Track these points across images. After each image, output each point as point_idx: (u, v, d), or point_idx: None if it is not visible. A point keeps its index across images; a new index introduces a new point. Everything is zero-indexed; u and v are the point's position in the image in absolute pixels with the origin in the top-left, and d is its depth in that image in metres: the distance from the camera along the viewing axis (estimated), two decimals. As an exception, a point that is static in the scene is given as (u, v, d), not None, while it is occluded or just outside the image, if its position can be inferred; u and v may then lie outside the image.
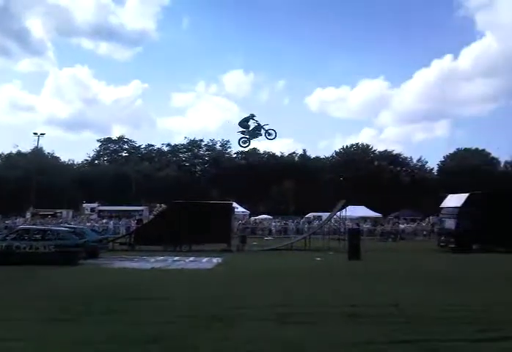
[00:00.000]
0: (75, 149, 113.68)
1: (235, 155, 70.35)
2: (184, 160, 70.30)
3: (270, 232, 36.19)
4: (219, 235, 22.45)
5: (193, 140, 70.02)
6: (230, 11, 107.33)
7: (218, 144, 70.40)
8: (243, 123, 18.28)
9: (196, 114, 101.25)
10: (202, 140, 70.22)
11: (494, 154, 66.31)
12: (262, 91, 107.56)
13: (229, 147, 70.19)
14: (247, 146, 19.07)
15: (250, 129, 18.20)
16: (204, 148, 70.61)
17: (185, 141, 70.60)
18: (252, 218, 42.37)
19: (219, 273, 13.90)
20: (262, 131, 18.31)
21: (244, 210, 45.60)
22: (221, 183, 59.48)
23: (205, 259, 17.81)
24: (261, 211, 50.47)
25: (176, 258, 18.16)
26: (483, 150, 66.49)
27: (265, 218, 42.81)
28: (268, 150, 70.22)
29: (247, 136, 18.37)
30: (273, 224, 38.59)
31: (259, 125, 18.28)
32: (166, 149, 71.91)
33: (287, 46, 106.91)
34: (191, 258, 18.20)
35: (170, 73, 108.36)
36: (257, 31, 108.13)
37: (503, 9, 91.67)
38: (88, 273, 13.82)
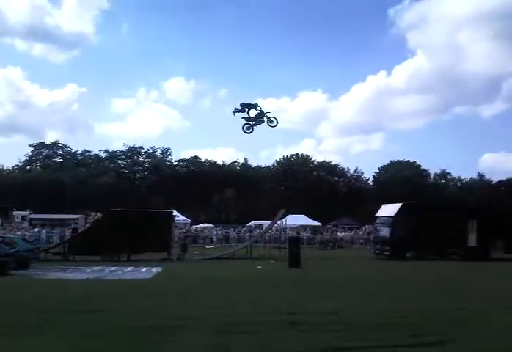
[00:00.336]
0: (5, 153, 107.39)
1: (176, 163, 69.46)
2: (123, 167, 68.38)
3: (211, 241, 35.91)
4: (159, 243, 21.99)
5: (132, 147, 68.33)
6: (172, 17, 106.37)
7: (159, 151, 69.17)
8: (244, 108, 18.07)
9: (137, 120, 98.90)
10: (141, 147, 68.75)
11: (424, 166, 69.96)
12: (204, 99, 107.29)
13: (170, 155, 69.22)
14: (251, 132, 18.67)
15: (253, 116, 18.11)
16: (144, 155, 69.07)
17: (124, 148, 68.79)
18: (193, 227, 41.87)
19: (159, 283, 13.57)
20: (265, 118, 18.25)
21: (185, 218, 45.00)
22: (161, 191, 58.37)
23: (144, 269, 17.34)
24: (202, 220, 50.00)
25: (113, 268, 17.55)
26: (415, 162, 69.99)
27: (207, 227, 42.44)
28: (209, 159, 70.07)
29: (251, 122, 18.21)
30: (215, 232, 38.33)
31: (262, 111, 18.20)
32: (103, 155, 69.60)
33: (229, 55, 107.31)
34: (130, 268, 17.66)
35: (109, 78, 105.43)
36: (199, 38, 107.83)
37: (432, 30, 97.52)
38: (18, 285, 13.02)
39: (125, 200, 49.93)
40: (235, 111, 18.09)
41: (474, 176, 68.81)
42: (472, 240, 24.82)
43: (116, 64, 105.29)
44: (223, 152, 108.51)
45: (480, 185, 66.20)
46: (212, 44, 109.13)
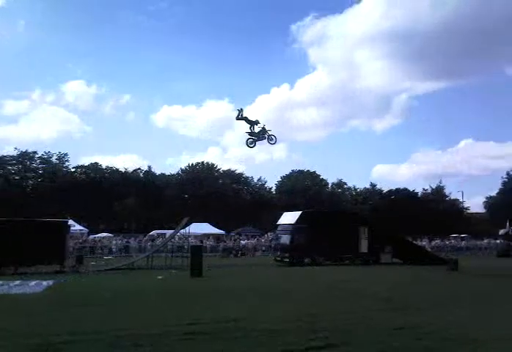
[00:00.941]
0: None
1: (73, 169, 65.49)
2: (13, 173, 62.95)
3: (110, 251, 34.41)
4: (52, 255, 20.59)
5: (25, 152, 63.13)
6: (71, 17, 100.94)
7: (55, 156, 64.69)
8: (250, 123, 19.32)
9: (31, 123, 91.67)
10: (35, 152, 63.71)
11: (322, 176, 73.44)
12: (106, 104, 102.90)
13: (68, 161, 64.98)
14: (253, 146, 19.61)
15: (257, 131, 19.15)
16: (38, 161, 64.15)
17: (15, 153, 63.29)
18: (91, 237, 39.82)
19: (49, 298, 12.64)
20: (266, 135, 19.22)
21: (82, 227, 42.64)
22: (57, 199, 54.73)
23: (33, 283, 16.07)
24: (102, 229, 47.78)
25: (-2, 283, 16.05)
26: (314, 172, 73.22)
27: (105, 237, 40.62)
28: (111, 165, 67.19)
29: (254, 138, 19.14)
30: (114, 242, 36.82)
31: (264, 129, 19.16)
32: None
33: (132, 60, 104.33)
34: (17, 282, 16.25)
35: (1, 78, 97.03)
36: (101, 41, 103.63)
37: (331, 46, 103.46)
38: None
39: (15, 208, 46.15)
40: (239, 118, 19.31)
41: (368, 185, 73.61)
42: (364, 246, 26.58)
43: (8, 64, 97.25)
44: (125, 158, 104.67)
45: (372, 195, 70.98)
46: (115, 48, 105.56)
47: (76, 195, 54.92)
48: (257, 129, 19.32)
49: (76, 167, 65.42)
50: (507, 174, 73.81)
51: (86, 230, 42.63)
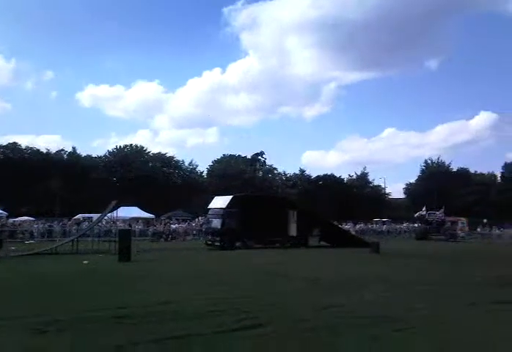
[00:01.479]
0: None
1: (-12, 150, 60.85)
2: None
3: (32, 236, 32.67)
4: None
5: None
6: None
7: (-31, 134, 59.94)
8: None
9: None
10: None
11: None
12: (27, 81, 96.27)
13: (-17, 140, 60.32)
14: None
15: None
16: None
17: None
18: (11, 220, 37.50)
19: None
20: None
21: (1, 211, 40.10)
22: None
23: None
24: (24, 212, 45.10)
25: None
26: (245, 157, 73.73)
27: (26, 220, 38.46)
28: (31, 146, 63.20)
29: None
30: (36, 226, 34.96)
31: None
32: None
33: (56, 34, 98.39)
34: None
35: None
36: (22, 13, 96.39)
37: (263, 32, 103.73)
38: None
39: None
40: None
41: (297, 171, 75.36)
42: (293, 230, 27.34)
43: None
44: (48, 139, 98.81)
45: (301, 180, 72.86)
46: (37, 20, 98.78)
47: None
48: None
49: (-10, 147, 60.86)
50: (425, 162, 78.90)
51: (5, 213, 40.15)
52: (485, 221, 50.90)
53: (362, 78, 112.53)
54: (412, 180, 79.56)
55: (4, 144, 61.59)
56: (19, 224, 35.72)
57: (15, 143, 61.83)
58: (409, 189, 79.11)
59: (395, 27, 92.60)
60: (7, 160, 58.23)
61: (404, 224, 50.80)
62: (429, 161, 78.56)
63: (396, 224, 51.21)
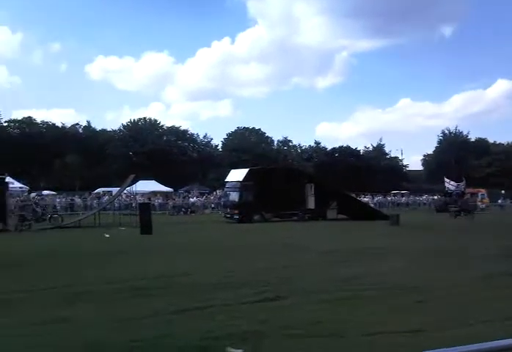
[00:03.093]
0: None
1: (6, 124, 61.33)
2: None
3: (54, 210, 33.34)
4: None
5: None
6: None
7: (-17, 110, 60.05)
8: None
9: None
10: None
11: (268, 133, 73.68)
12: (34, 53, 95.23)
13: (-1, 114, 60.55)
14: None
15: None
16: (-36, 115, 59.37)
17: None
18: (33, 195, 38.25)
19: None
20: None
21: (22, 185, 40.77)
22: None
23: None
24: (42, 187, 45.96)
25: None
26: (260, 129, 73.25)
27: (48, 194, 39.25)
28: (46, 120, 63.40)
29: None
30: (58, 200, 35.71)
31: None
32: None
33: (62, 5, 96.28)
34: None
35: None
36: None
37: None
38: None
39: None
40: None
41: (312, 143, 74.76)
42: (311, 203, 27.37)
43: None
44: (60, 113, 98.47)
45: (317, 152, 72.39)
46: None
47: (10, 151, 51.96)
48: None
49: (9, 121, 61.36)
50: (443, 132, 77.45)
51: (26, 188, 40.87)
52: (503, 192, 49.96)
53: (374, 46, 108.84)
54: (430, 152, 78.58)
55: (19, 118, 62.01)
56: (41, 199, 36.42)
57: (30, 117, 62.03)
58: (427, 161, 78.14)
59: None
60: (24, 135, 58.72)
61: (424, 196, 50.44)
62: (446, 132, 76.95)
63: (415, 196, 50.90)
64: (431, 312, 6.45)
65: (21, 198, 33.65)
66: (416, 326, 5.61)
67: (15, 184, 36.66)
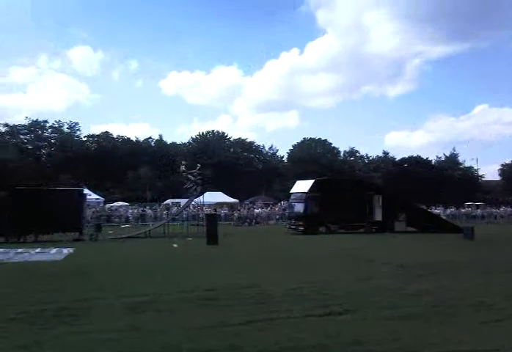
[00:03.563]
0: None
1: (85, 139, 65.58)
2: (26, 143, 63.17)
3: (127, 220, 34.99)
4: (70, 223, 21.00)
5: (36, 121, 63.06)
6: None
7: (66, 125, 64.54)
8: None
9: (39, 91, 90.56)
10: (46, 121, 63.61)
11: (334, 144, 72.79)
12: (113, 71, 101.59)
13: (79, 130, 64.86)
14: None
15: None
16: (49, 130, 64.16)
17: (26, 122, 63.19)
18: (107, 206, 40.41)
19: (70, 265, 12.94)
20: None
21: (98, 196, 43.20)
22: (70, 169, 55.19)
23: (53, 250, 16.47)
24: (117, 198, 48.37)
25: (20, 250, 16.44)
26: (326, 140, 72.61)
27: (121, 205, 41.22)
28: (122, 134, 67.19)
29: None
30: (130, 211, 37.38)
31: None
32: (3, 129, 63.08)
33: (139, 24, 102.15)
34: (38, 249, 16.68)
35: (4, 45, 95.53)
36: (106, 5, 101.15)
37: (339, 8, 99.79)
38: None
39: (29, 177, 46.73)
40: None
41: (380, 154, 72.91)
42: (378, 215, 26.60)
43: (10, 28, 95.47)
44: (136, 127, 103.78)
45: (385, 163, 70.41)
46: (120, 11, 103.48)
47: (88, 164, 55.38)
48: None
49: (88, 136, 65.56)
50: (524, 140, 72.54)
51: (102, 199, 43.20)
52: None
53: (449, 51, 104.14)
54: (508, 161, 73.82)
55: (97, 133, 66.19)
56: (115, 209, 38.33)
57: (107, 132, 66.18)
58: (505, 170, 73.47)
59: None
60: (101, 149, 62.49)
61: (501, 208, 47.35)
62: (528, 139, 72.18)
63: (491, 208, 47.92)
64: (509, 330, 6.01)
65: (97, 209, 35.68)
66: (494, 345, 5.25)
67: (91, 195, 38.99)
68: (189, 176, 24.83)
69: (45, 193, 22.16)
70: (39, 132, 63.21)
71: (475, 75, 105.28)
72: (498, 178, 75.14)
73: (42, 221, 20.21)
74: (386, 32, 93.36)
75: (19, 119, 77.71)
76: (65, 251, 16.27)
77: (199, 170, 25.22)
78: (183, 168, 25.48)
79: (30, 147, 62.51)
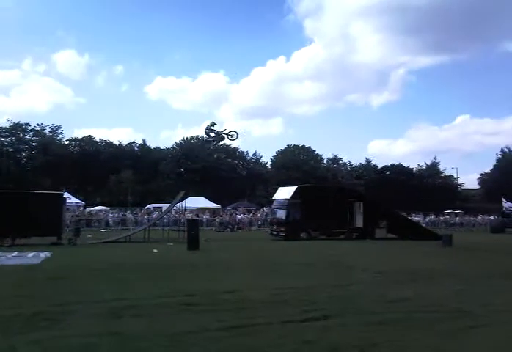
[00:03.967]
0: None
1: (67, 142, 64.79)
2: (6, 145, 62.09)
3: (107, 224, 34.53)
4: (48, 227, 20.60)
5: (17, 123, 62.08)
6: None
7: (48, 129, 63.72)
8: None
9: (22, 94, 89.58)
10: (28, 124, 62.65)
11: (318, 151, 73.24)
12: (98, 75, 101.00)
13: (61, 133, 64.09)
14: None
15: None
16: (31, 133, 63.18)
17: (7, 124, 62.17)
18: (87, 210, 39.84)
19: (47, 269, 12.71)
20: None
21: (78, 200, 42.56)
22: (51, 172, 54.47)
23: (31, 254, 16.14)
24: (97, 202, 47.78)
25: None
26: (309, 147, 73.02)
27: (102, 210, 40.68)
28: (105, 138, 66.65)
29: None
30: (111, 215, 36.93)
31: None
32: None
33: (125, 30, 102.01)
34: (14, 253, 16.33)
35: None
36: (93, 9, 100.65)
37: (327, 18, 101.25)
38: None
39: (8, 180, 46.04)
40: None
41: (363, 161, 73.60)
42: (359, 221, 26.79)
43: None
44: (120, 132, 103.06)
45: (367, 170, 71.09)
46: (106, 16, 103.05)
47: (70, 168, 54.68)
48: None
49: (70, 140, 64.88)
50: (502, 150, 74.10)
51: (82, 203, 42.61)
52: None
53: (432, 62, 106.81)
54: (487, 170, 75.25)
55: (80, 137, 65.50)
56: (95, 213, 37.83)
57: (90, 136, 65.53)
58: (484, 180, 74.82)
59: (465, 7, 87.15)
60: (83, 153, 61.78)
61: (479, 217, 48.15)
62: (506, 150, 73.68)
63: (470, 216, 48.70)
64: (485, 337, 6.10)
65: (76, 213, 35.16)
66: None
67: (71, 199, 38.44)
68: (211, 134, 23.63)
69: (23, 196, 21.76)
70: (21, 135, 62.20)
71: (457, 86, 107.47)
72: (477, 187, 76.53)
73: (20, 224, 19.82)
74: (371, 43, 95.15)
75: (1, 121, 76.57)
76: (43, 255, 15.97)
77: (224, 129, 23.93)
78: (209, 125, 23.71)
79: (10, 150, 61.46)
